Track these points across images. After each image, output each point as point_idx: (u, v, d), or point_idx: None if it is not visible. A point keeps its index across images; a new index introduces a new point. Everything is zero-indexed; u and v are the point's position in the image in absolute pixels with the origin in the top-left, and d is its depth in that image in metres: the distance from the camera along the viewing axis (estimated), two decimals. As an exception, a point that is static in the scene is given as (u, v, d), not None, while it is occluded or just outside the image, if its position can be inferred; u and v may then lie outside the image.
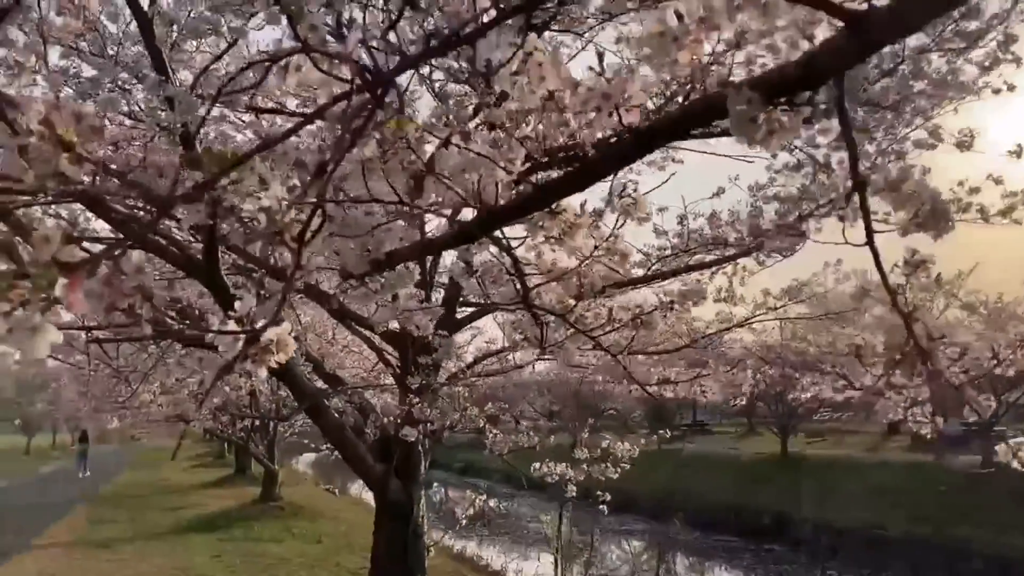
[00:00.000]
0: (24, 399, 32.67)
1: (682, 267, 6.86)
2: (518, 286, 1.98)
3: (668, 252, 6.98)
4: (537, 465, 5.62)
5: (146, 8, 4.37)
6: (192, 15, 4.39)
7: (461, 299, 6.89)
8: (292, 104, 7.28)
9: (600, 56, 1.05)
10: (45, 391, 24.32)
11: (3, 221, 0.85)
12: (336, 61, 1.21)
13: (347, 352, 10.45)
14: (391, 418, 6.58)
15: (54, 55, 5.41)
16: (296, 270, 1.27)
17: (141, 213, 5.65)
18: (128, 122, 5.43)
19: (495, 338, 8.51)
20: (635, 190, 1.58)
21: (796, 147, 6.42)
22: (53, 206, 7.28)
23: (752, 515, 21.82)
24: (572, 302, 1.94)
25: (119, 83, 5.24)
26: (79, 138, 0.82)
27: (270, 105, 6.84)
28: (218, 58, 4.80)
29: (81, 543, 12.76)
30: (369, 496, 23.86)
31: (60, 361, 13.78)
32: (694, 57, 1.01)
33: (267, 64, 1.26)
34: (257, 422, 14.88)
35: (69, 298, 0.65)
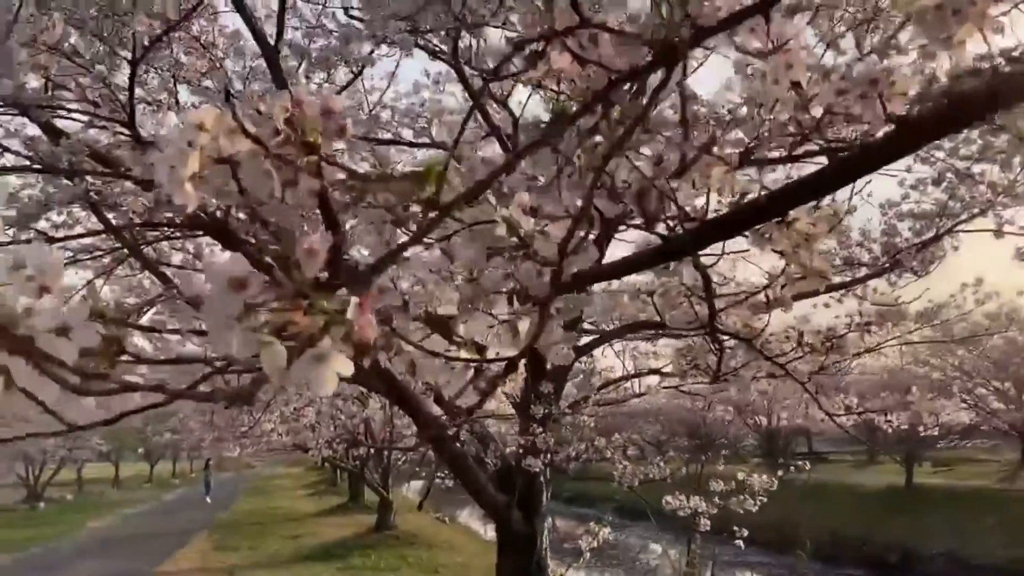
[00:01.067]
0: (149, 428, 34.01)
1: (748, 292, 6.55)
2: (696, 308, 1.83)
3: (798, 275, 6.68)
4: (669, 498, 5.41)
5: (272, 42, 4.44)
6: (321, 46, 4.43)
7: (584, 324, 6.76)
8: (408, 134, 7.35)
9: (858, 41, 0.91)
10: (169, 421, 25.27)
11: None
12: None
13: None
14: (513, 448, 6.46)
15: (184, 93, 5.59)
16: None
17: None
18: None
19: (610, 366, 8.32)
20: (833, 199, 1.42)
21: (937, 159, 6.07)
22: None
23: (878, 548, 20.76)
24: (759, 325, 1.77)
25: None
26: (323, 138, 0.72)
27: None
28: (345, 87, 4.85)
29: (207, 570, 13.06)
30: (480, 526, 23.88)
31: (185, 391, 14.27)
32: (979, 31, 0.85)
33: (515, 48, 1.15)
34: (372, 450, 15.03)
35: (360, 321, 0.54)
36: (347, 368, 0.55)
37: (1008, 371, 24.65)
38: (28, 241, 5.57)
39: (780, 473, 5.54)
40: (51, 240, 5.69)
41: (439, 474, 19.74)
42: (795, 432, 38.36)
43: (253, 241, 5.15)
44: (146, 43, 3.25)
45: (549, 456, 6.04)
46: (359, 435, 14.12)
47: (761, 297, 1.72)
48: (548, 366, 6.93)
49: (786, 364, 1.85)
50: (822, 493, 25.45)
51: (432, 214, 0.80)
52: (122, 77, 3.68)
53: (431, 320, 1.05)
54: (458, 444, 6.55)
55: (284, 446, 14.40)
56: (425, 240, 1.09)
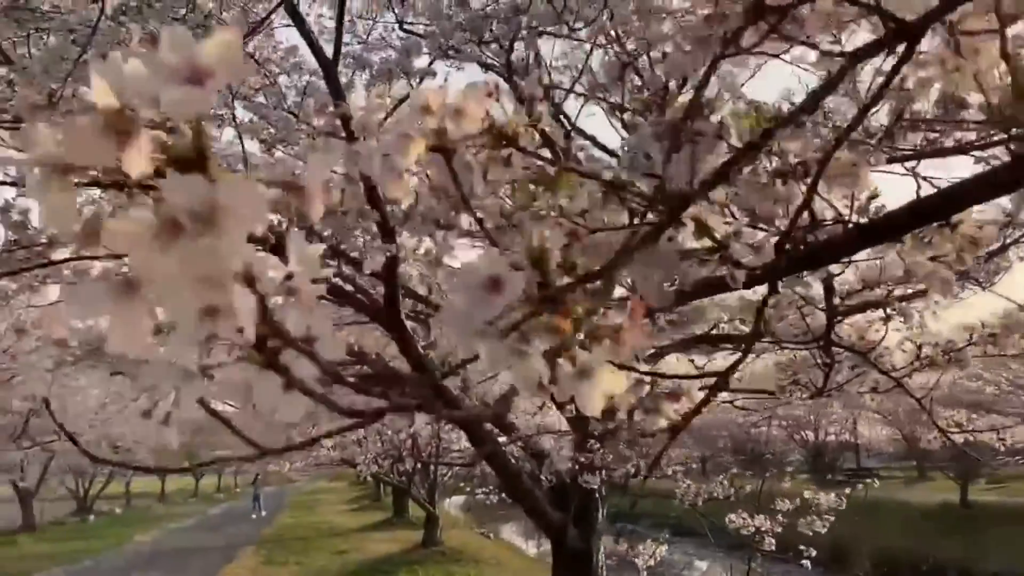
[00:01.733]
0: (196, 442, 34.35)
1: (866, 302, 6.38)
2: (808, 319, 1.73)
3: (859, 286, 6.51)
4: (733, 516, 5.27)
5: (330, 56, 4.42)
6: (381, 59, 4.40)
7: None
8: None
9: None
10: (215, 435, 25.48)
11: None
12: None
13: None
14: (568, 464, 6.36)
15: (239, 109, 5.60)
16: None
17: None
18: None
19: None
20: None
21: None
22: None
23: (935, 568, 20.25)
24: (876, 337, 1.67)
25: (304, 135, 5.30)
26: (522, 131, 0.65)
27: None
28: (401, 102, 4.82)
29: (255, 585, 13.11)
30: (523, 541, 23.72)
31: (230, 405, 14.36)
32: None
33: None
34: (419, 464, 14.98)
35: (633, 329, 0.46)
36: (619, 384, 0.47)
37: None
38: (86, 257, 5.62)
39: (847, 491, 5.38)
40: (106, 256, 5.74)
41: (483, 489, 19.64)
42: (843, 448, 37.72)
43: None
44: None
45: (607, 473, 5.93)
46: (406, 450, 14.10)
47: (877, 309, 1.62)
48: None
49: (900, 378, 1.74)
50: (875, 510, 24.85)
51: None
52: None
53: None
54: (512, 460, 6.47)
55: (332, 461, 14.43)
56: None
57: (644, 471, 5.91)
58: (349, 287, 5.55)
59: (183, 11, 2.86)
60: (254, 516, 25.56)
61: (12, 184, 3.70)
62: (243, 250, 0.36)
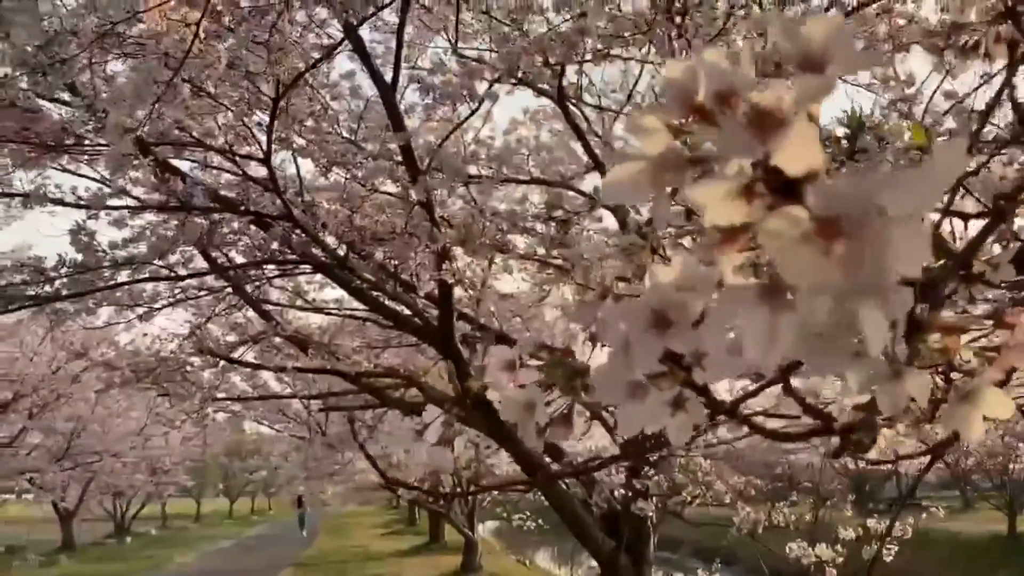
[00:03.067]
0: (235, 465, 34.58)
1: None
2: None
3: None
4: (793, 545, 5.16)
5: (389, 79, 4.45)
6: (442, 82, 4.41)
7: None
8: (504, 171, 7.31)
9: None
10: (255, 457, 25.69)
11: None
12: None
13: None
14: (621, 491, 6.28)
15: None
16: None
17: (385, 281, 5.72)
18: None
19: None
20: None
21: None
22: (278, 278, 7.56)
23: (982, 601, 19.74)
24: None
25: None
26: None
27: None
28: (461, 124, 4.82)
29: (294, 609, 13.06)
30: (556, 567, 23.46)
31: (272, 428, 14.43)
32: None
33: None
34: (458, 489, 14.90)
35: (1017, 348, 0.43)
36: (1008, 408, 0.43)
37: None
38: (146, 279, 5.68)
39: (911, 521, 5.25)
40: (166, 278, 5.80)
41: (520, 515, 19.49)
42: (885, 476, 37.05)
43: (369, 276, 5.13)
44: (287, 82, 3.25)
45: (661, 500, 5.85)
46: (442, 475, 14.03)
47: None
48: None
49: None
50: (922, 541, 24.15)
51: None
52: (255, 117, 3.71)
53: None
54: (564, 486, 6.41)
55: (372, 485, 14.39)
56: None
57: (702, 497, 5.84)
58: (405, 310, 5.56)
59: (266, 35, 2.89)
60: (304, 534, 26.00)
61: (84, 207, 3.75)
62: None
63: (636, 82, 6.72)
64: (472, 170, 5.94)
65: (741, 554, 10.17)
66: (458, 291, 6.63)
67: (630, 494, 6.05)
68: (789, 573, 7.88)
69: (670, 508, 6.11)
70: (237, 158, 4.69)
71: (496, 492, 15.78)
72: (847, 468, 33.53)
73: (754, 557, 11.57)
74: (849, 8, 4.97)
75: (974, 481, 30.72)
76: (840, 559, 5.03)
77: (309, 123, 5.23)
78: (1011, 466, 26.24)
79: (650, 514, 5.82)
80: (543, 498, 15.21)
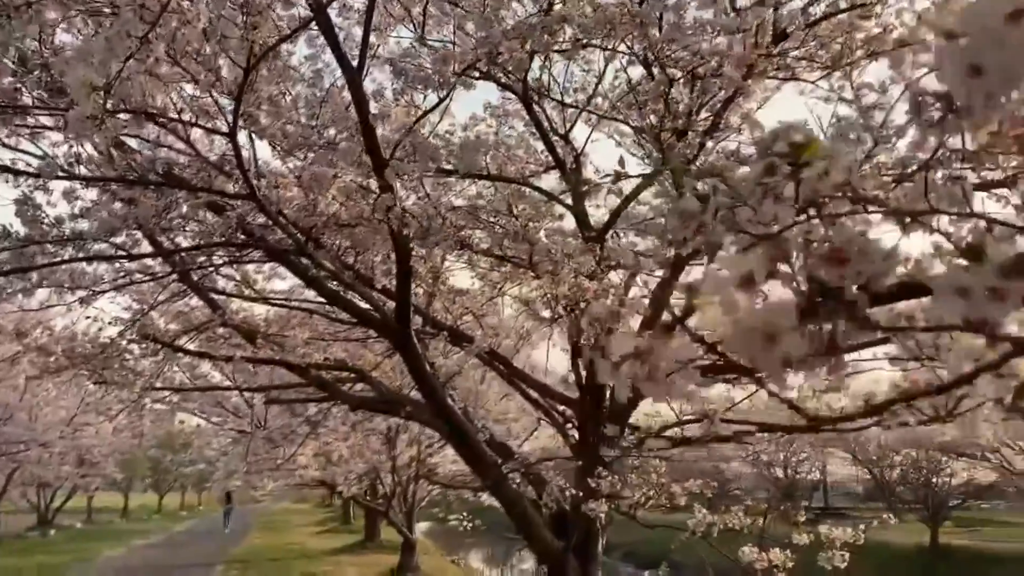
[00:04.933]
0: (169, 459, 33.80)
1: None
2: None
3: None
4: (747, 549, 5.15)
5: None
6: (414, 67, 4.32)
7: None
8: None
9: None
10: (189, 451, 25.11)
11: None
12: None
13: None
14: (572, 492, 6.24)
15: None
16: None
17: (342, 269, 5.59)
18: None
19: (655, 410, 8.07)
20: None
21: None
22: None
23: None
24: None
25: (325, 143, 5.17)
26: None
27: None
28: (433, 108, 4.72)
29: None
30: (488, 569, 23.38)
31: (208, 421, 14.09)
32: None
33: None
34: (399, 488, 14.78)
35: None
36: None
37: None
38: (91, 258, 5.45)
39: (863, 527, 5.31)
40: (113, 257, 5.58)
41: (458, 515, 19.37)
42: (812, 486, 37.83)
43: (329, 266, 5.00)
44: (258, 52, 3.12)
45: (614, 502, 5.82)
46: (382, 472, 13.90)
47: None
48: (606, 406, 6.74)
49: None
50: (854, 550, 24.49)
51: None
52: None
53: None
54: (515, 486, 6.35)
55: (311, 481, 14.17)
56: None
57: (656, 499, 5.82)
58: (364, 303, 5.44)
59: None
60: (227, 531, 25.47)
61: (35, 175, 3.56)
62: None
63: (599, 81, 6.70)
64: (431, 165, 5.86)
65: (680, 558, 10.24)
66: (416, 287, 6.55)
67: (581, 494, 6.01)
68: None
69: (622, 509, 6.07)
70: (192, 136, 4.53)
71: (436, 492, 15.67)
72: (777, 478, 34.16)
73: (693, 562, 11.64)
74: (815, 18, 5.02)
75: (899, 493, 31.56)
76: (790, 564, 5.07)
77: (273, 105, 5.09)
78: (934, 479, 27.03)
79: (601, 515, 5.78)
80: (481, 498, 15.16)
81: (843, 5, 4.79)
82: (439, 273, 7.01)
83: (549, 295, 4.41)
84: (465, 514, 18.81)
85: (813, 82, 5.03)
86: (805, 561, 5.77)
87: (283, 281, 6.91)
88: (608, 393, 6.62)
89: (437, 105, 4.36)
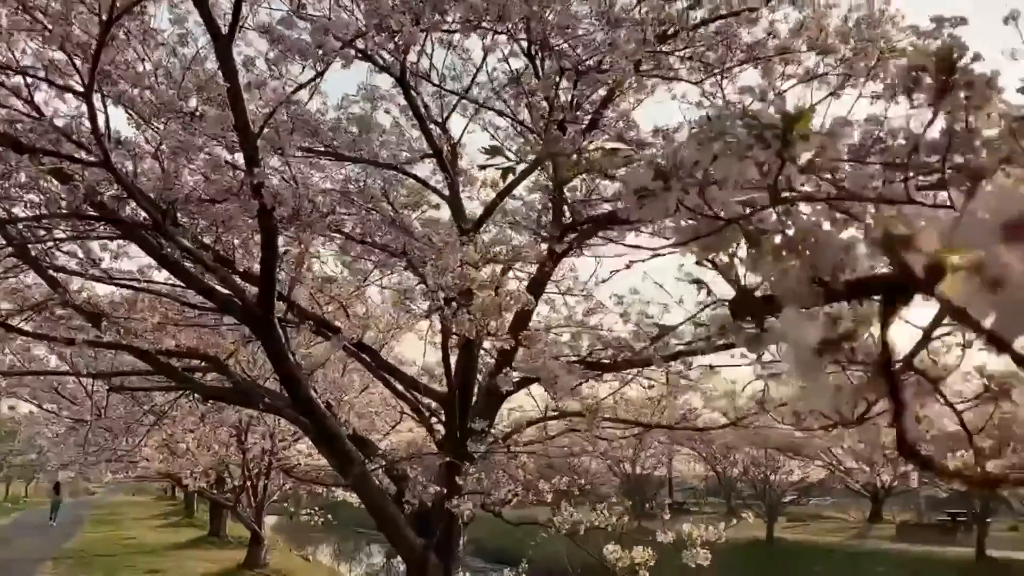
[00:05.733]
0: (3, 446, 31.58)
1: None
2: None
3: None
4: (610, 547, 5.14)
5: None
6: (292, 37, 4.05)
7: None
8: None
9: None
10: (16, 440, 23.45)
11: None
12: None
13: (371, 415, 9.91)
14: (435, 489, 6.08)
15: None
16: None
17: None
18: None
19: (519, 405, 8.04)
20: None
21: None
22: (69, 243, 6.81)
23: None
24: (955, 363, 1.57)
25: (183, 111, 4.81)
26: None
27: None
28: (305, 85, 4.46)
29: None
30: (336, 564, 23.01)
31: (41, 408, 13.11)
32: None
33: None
34: (249, 483, 14.22)
35: None
36: None
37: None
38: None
39: (724, 526, 5.41)
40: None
41: (307, 510, 18.90)
42: (658, 482, 39.13)
43: (187, 244, 4.65)
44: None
45: (479, 498, 5.71)
46: (231, 465, 13.35)
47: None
48: (474, 401, 6.63)
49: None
50: (692, 544, 25.46)
51: None
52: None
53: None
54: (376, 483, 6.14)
55: (154, 473, 13.41)
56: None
57: (523, 497, 5.74)
58: (222, 287, 5.11)
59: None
60: (53, 524, 24.02)
61: None
62: None
63: (477, 71, 6.56)
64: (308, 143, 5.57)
65: (534, 555, 10.28)
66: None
67: (445, 491, 5.87)
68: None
69: (488, 507, 5.97)
70: (35, 98, 4.10)
71: (288, 486, 15.19)
72: (627, 475, 35.15)
73: (546, 559, 11.69)
74: (700, 20, 5.06)
75: (738, 489, 33.07)
76: (652, 562, 5.10)
77: (132, 68, 4.70)
78: (772, 476, 28.46)
79: (467, 512, 5.66)
80: (334, 493, 14.77)
81: (729, 11, 4.86)
82: (304, 259, 6.71)
83: (429, 286, 4.24)
84: (316, 509, 18.39)
85: (696, 83, 5.06)
86: (662, 558, 5.88)
87: (131, 260, 6.41)
88: (476, 387, 6.52)
89: (316, 78, 4.11)
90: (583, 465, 32.39)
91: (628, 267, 2.02)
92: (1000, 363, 1.72)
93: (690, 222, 1.09)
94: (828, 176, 0.98)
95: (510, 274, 6.64)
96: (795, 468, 28.24)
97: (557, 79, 4.30)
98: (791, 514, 32.10)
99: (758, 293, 1.34)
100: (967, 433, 1.73)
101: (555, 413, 6.89)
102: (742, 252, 1.27)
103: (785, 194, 0.95)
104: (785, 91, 5.73)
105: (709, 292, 1.29)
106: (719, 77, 5.67)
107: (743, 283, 1.29)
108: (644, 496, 34.37)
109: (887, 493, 30.20)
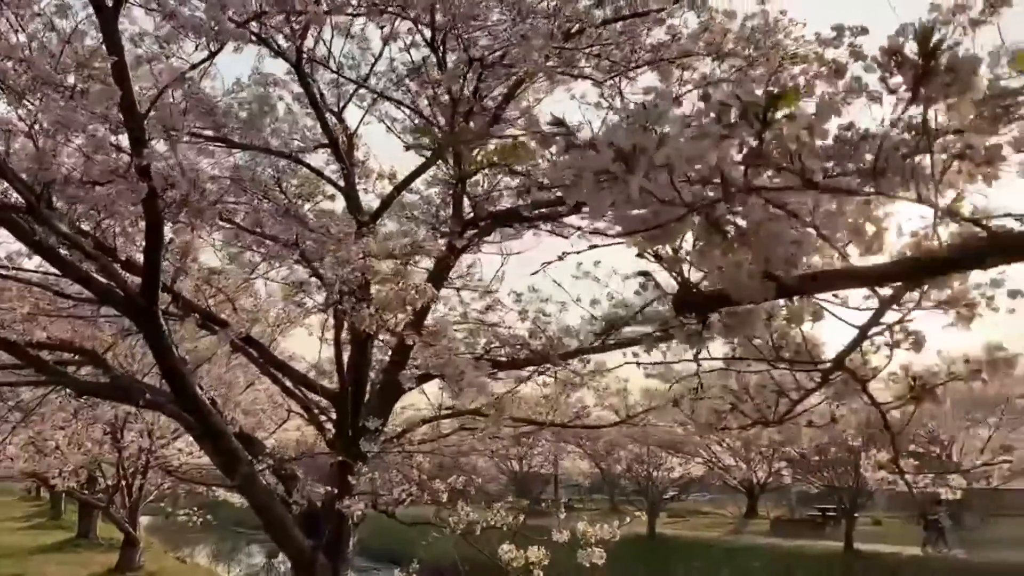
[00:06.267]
0: None
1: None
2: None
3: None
4: (506, 547, 5.08)
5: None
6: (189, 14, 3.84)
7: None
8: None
9: None
10: None
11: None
12: None
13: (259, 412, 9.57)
14: (324, 489, 5.92)
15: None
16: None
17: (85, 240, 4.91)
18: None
19: (411, 403, 7.93)
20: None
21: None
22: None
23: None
24: (882, 363, 1.60)
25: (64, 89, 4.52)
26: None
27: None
28: (203, 61, 4.24)
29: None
30: (214, 565, 22.28)
31: None
32: None
33: None
34: (124, 482, 13.56)
35: None
36: None
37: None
38: None
39: (618, 524, 5.43)
40: None
41: (186, 510, 18.22)
42: (544, 480, 39.49)
43: (65, 230, 4.36)
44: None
45: (370, 499, 5.58)
46: (104, 464, 12.71)
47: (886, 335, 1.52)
48: (367, 399, 6.48)
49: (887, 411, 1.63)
50: (575, 541, 25.80)
51: None
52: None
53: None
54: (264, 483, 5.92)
55: (19, 473, 12.63)
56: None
57: (417, 496, 5.63)
58: (102, 277, 4.81)
59: None
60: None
61: None
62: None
63: (376, 61, 6.42)
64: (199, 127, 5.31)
65: (424, 555, 10.17)
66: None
67: (336, 491, 5.71)
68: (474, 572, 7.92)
69: (381, 507, 5.83)
70: None
71: (166, 485, 14.59)
72: (514, 473, 35.31)
73: (434, 559, 11.59)
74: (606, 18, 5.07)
75: (621, 486, 33.68)
76: (546, 561, 5.07)
77: (5, 39, 4.37)
78: (654, 473, 29.12)
79: (357, 513, 5.52)
80: (214, 493, 14.26)
81: (632, 11, 4.88)
82: (190, 248, 6.42)
83: (326, 279, 4.09)
84: (195, 508, 17.73)
85: (598, 83, 5.07)
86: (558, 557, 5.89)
87: (-1, 246, 6.01)
88: (370, 385, 6.38)
89: (209, 58, 3.92)
90: (471, 464, 32.39)
91: (561, 259, 1.97)
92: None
93: (641, 211, 1.03)
94: (789, 166, 0.94)
95: (410, 268, 6.54)
96: (676, 465, 28.96)
97: (465, 70, 4.22)
98: (672, 510, 32.89)
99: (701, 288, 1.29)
100: (889, 432, 1.75)
101: (449, 411, 6.81)
102: (687, 246, 1.22)
103: (748, 184, 0.90)
104: (683, 95, 5.81)
105: (657, 285, 1.24)
106: (619, 79, 5.70)
107: (687, 277, 1.24)
108: (531, 494, 34.62)
109: (762, 489, 31.31)
